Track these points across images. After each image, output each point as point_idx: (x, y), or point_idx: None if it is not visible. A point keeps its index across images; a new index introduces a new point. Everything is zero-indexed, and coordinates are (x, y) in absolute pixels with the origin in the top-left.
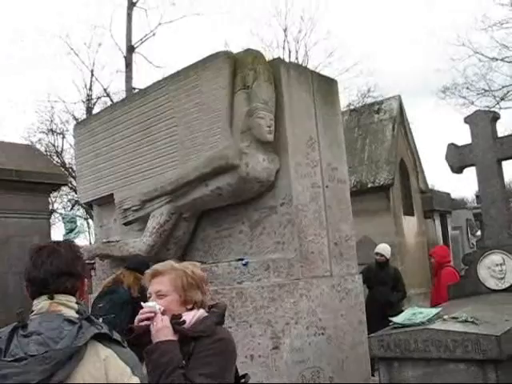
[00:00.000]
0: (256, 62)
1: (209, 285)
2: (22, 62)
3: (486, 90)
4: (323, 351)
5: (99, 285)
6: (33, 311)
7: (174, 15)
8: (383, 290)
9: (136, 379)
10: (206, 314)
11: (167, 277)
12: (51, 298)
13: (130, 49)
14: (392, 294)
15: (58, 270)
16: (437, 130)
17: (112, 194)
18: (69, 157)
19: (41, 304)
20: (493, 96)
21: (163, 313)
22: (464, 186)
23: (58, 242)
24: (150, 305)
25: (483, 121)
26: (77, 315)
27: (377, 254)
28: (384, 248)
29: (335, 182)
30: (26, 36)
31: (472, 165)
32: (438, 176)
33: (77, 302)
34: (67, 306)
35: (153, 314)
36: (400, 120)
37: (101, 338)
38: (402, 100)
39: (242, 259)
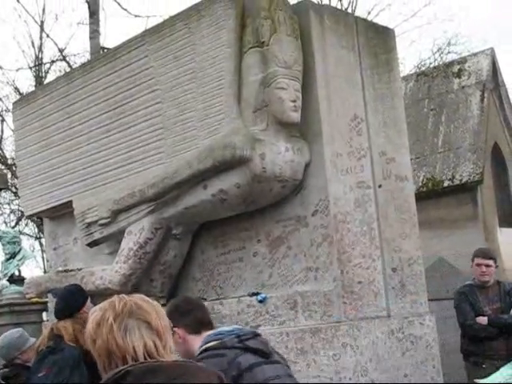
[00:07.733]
0: (274, 6)
1: None
2: None
3: None
4: None
5: None
6: None
7: None
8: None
9: None
10: None
11: None
12: None
13: None
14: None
15: None
16: None
17: (70, 202)
18: (11, 149)
19: None
20: None
21: None
22: None
23: None
24: None
25: None
26: None
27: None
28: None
29: (392, 180)
30: None
31: None
32: None
33: None
34: None
35: None
36: (493, 86)
37: None
38: (495, 56)
39: (257, 294)
